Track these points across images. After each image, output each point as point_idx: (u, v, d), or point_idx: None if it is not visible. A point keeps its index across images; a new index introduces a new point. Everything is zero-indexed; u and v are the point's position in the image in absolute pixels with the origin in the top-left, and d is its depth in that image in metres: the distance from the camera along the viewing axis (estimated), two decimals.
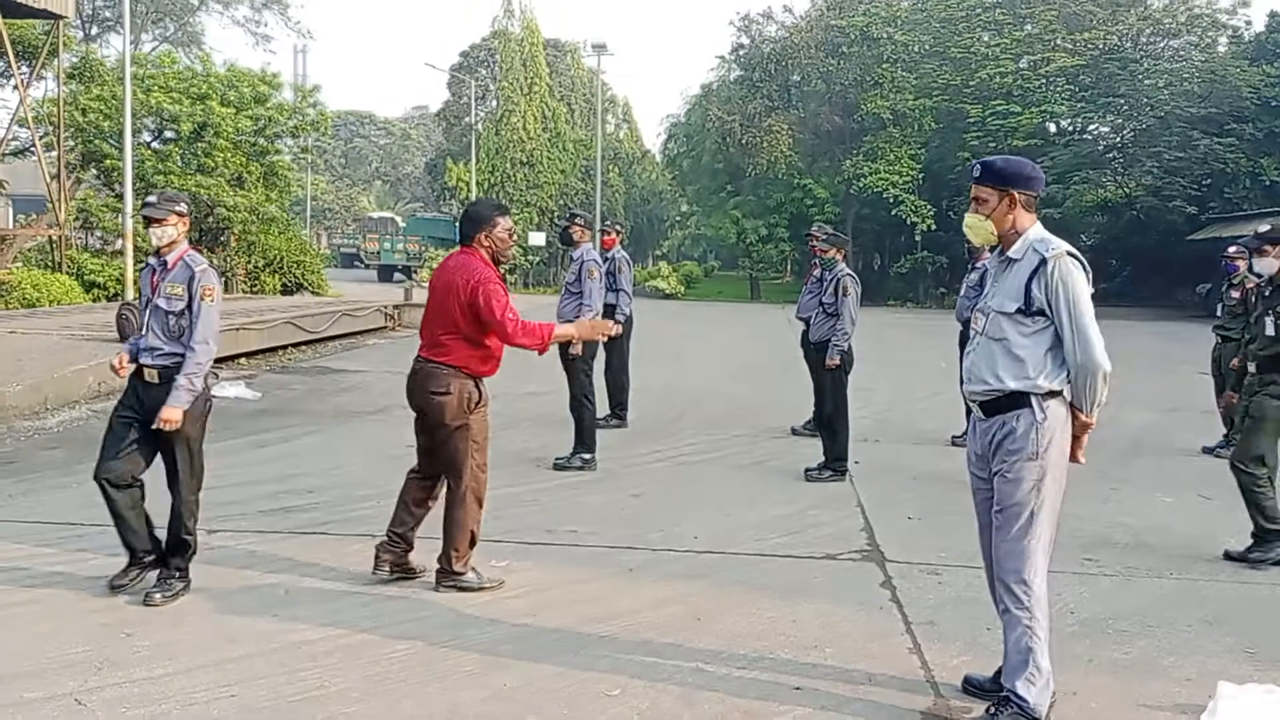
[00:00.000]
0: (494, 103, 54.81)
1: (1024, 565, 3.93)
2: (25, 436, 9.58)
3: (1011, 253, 3.99)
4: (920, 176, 40.46)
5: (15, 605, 5.03)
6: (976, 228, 4.04)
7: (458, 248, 5.52)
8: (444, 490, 5.45)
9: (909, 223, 40.25)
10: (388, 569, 5.33)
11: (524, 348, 5.36)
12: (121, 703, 3.95)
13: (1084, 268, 3.90)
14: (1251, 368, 6.47)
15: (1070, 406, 3.94)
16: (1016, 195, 3.96)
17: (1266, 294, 6.49)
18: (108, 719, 3.81)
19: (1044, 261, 3.89)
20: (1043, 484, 3.91)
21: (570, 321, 8.62)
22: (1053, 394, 3.91)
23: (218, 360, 14.67)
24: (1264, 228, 6.45)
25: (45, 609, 4.98)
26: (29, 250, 25.79)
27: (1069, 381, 3.92)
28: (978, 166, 4.05)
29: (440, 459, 5.39)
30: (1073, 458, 3.99)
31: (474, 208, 5.63)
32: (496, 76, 53.86)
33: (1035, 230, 3.98)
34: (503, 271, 5.52)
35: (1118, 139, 40.90)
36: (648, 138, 65.41)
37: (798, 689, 4.20)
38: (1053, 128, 41.29)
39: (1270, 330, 6.28)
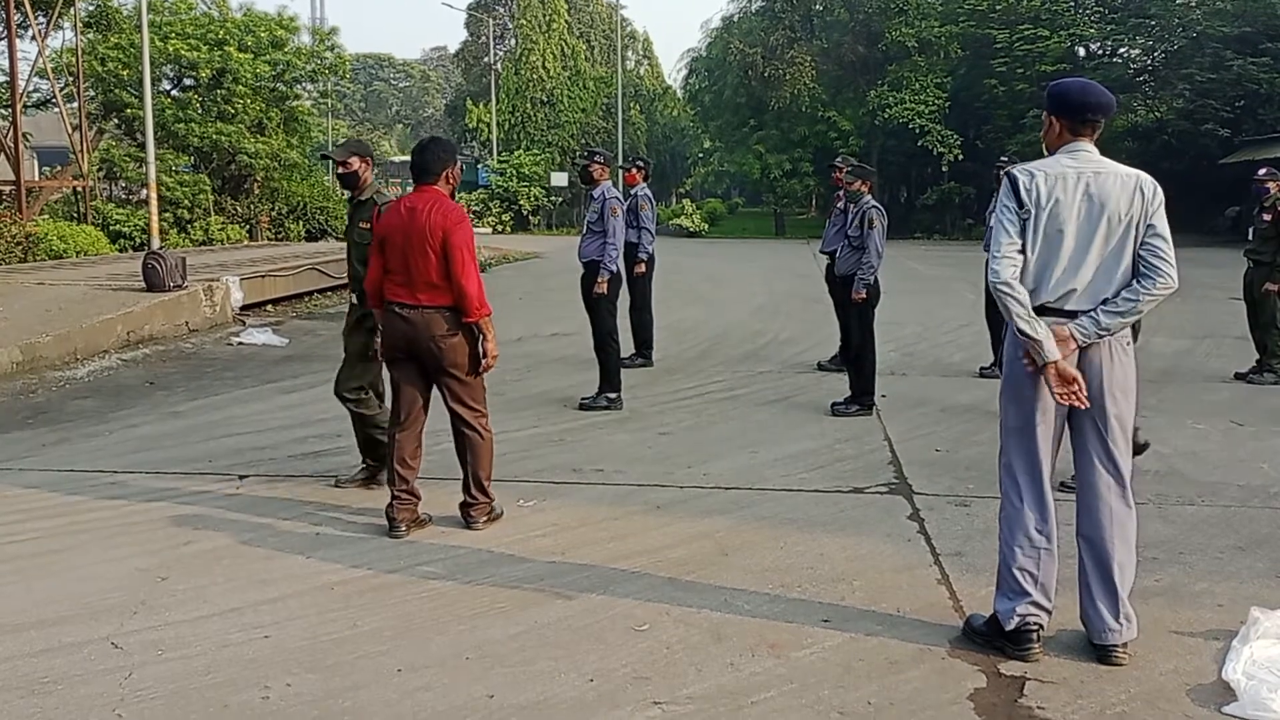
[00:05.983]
0: (512, 42, 54.27)
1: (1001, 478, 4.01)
2: (56, 386, 9.68)
3: None
4: (947, 106, 39.77)
5: (51, 552, 5.11)
6: None
7: (415, 187, 5.33)
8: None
9: (935, 153, 39.68)
10: (405, 528, 5.34)
11: (467, 295, 5.16)
12: (157, 646, 4.01)
13: (1013, 186, 3.80)
14: None
15: None
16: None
17: None
18: (144, 662, 3.87)
19: None
20: (1005, 406, 3.96)
21: (595, 263, 8.61)
22: None
23: (245, 307, 14.83)
24: None
25: (81, 555, 5.06)
26: (55, 202, 25.93)
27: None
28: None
29: (452, 398, 5.36)
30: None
31: (440, 141, 5.47)
32: (514, 14, 53.27)
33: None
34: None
35: (1148, 61, 39.98)
36: (668, 73, 64.46)
37: (826, 621, 4.21)
38: (1082, 51, 40.37)
39: None
